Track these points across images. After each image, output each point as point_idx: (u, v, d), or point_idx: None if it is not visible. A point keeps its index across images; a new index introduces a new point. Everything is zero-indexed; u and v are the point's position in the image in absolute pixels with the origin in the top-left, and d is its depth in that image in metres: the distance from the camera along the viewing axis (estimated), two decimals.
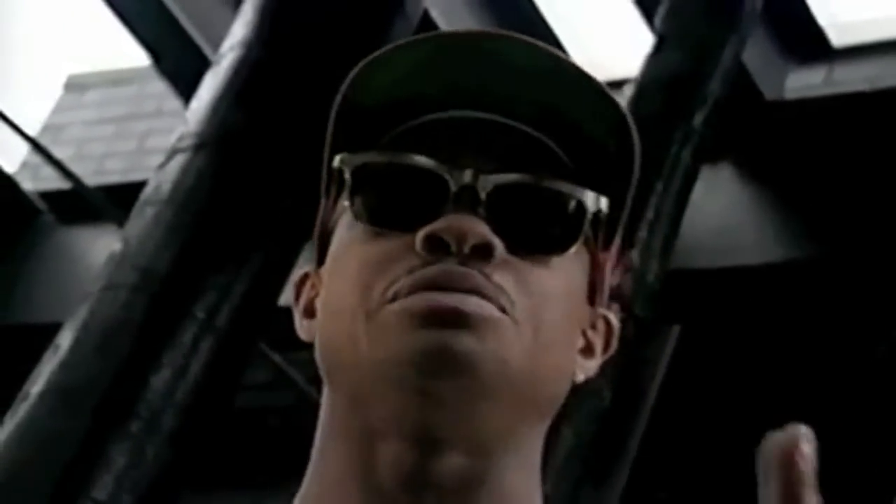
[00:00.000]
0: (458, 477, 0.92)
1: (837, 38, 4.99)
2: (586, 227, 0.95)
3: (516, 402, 0.92)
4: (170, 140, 3.66)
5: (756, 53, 4.63)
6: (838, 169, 4.58)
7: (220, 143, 3.49)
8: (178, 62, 5.31)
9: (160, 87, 5.68)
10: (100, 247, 4.11)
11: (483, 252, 0.91)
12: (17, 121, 5.08)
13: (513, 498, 0.94)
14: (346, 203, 0.96)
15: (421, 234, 0.92)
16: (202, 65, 4.05)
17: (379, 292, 0.92)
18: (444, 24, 4.83)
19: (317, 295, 1.00)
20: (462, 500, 0.92)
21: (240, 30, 3.70)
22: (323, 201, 1.01)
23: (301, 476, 1.00)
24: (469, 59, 0.96)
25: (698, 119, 3.72)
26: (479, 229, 0.91)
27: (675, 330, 4.10)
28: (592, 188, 0.96)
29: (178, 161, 3.49)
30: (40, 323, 4.04)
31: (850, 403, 4.46)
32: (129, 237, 3.45)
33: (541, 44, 0.95)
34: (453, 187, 0.93)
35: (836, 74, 4.87)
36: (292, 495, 1.00)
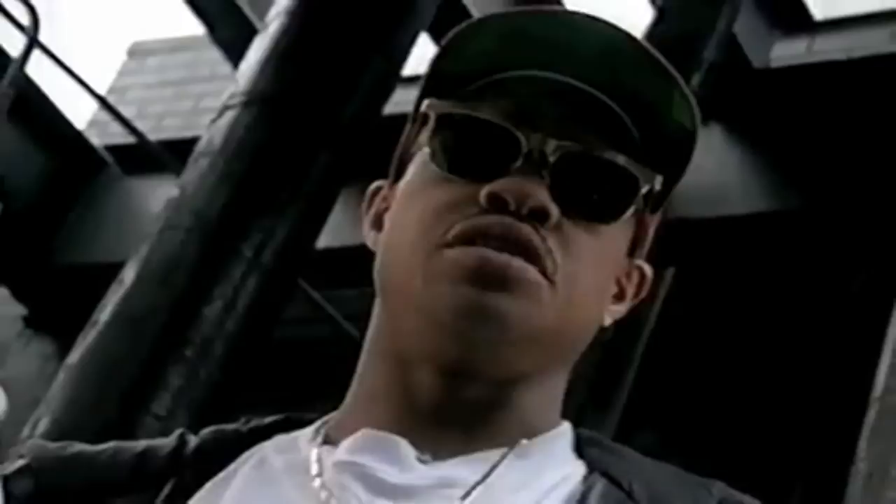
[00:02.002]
0: (481, 404, 0.91)
1: (818, 12, 4.94)
2: (638, 201, 0.93)
3: (541, 351, 0.91)
4: (221, 100, 3.65)
5: (745, 26, 4.59)
6: (817, 129, 4.55)
7: (265, 101, 3.48)
8: (229, 32, 5.29)
9: (213, 54, 5.66)
10: (159, 194, 4.11)
11: (539, 216, 0.89)
12: (88, 83, 5.07)
13: (532, 423, 0.93)
14: (426, 145, 0.93)
15: (486, 190, 0.89)
16: (250, 34, 4.03)
17: (439, 234, 0.90)
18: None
19: (387, 208, 0.98)
20: (484, 421, 0.92)
21: (283, 1, 3.68)
22: (409, 126, 0.97)
23: (333, 399, 0.99)
24: (552, 30, 0.92)
25: (695, 82, 3.69)
26: (540, 194, 0.89)
27: (670, 272, 4.09)
28: (653, 158, 0.93)
29: (229, 117, 3.49)
30: (107, 261, 4.04)
31: (830, 334, 4.45)
32: (185, 184, 3.45)
33: (618, 25, 0.92)
34: (524, 148, 0.90)
35: (816, 45, 4.83)
36: (325, 414, 0.99)
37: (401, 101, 4.25)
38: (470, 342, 0.89)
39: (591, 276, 0.92)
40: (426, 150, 0.93)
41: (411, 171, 0.96)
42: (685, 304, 4.31)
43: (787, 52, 4.85)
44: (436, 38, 4.92)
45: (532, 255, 0.89)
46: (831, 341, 4.46)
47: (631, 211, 0.93)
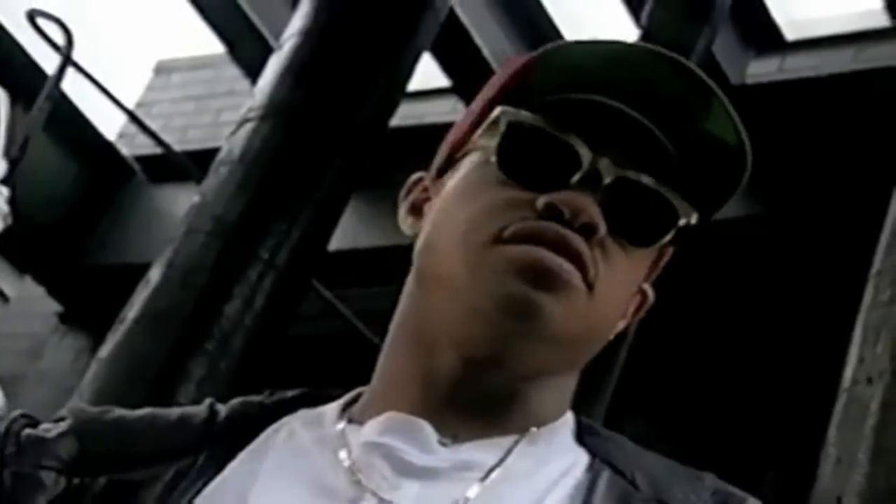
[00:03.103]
0: (500, 395, 0.91)
1: (790, 34, 4.95)
2: (673, 234, 0.93)
3: (566, 353, 0.92)
4: (240, 114, 3.64)
5: (723, 45, 4.59)
6: (788, 141, 4.54)
7: (281, 114, 3.47)
8: (248, 51, 5.29)
9: (233, 72, 5.65)
10: (182, 201, 4.10)
11: (589, 230, 0.89)
12: (118, 98, 5.07)
13: (543, 415, 0.92)
14: (493, 149, 0.93)
15: (545, 199, 0.89)
16: (267, 53, 4.02)
17: (493, 230, 0.90)
18: (466, 18, 4.79)
19: (428, 199, 0.97)
20: (501, 411, 0.91)
21: (298, 22, 3.68)
22: (464, 126, 0.97)
23: (342, 391, 0.98)
24: (619, 59, 0.93)
25: None
26: (592, 211, 0.89)
27: None
28: (695, 191, 0.93)
29: (247, 129, 3.48)
30: (135, 262, 4.04)
31: (801, 329, 4.45)
32: (206, 191, 3.44)
33: (686, 62, 0.93)
34: (584, 166, 0.90)
35: (787, 63, 4.83)
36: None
37: (405, 114, 4.25)
38: (505, 334, 0.88)
39: (620, 292, 0.93)
40: (491, 153, 0.93)
41: (464, 169, 0.95)
42: (665, 302, 4.30)
43: (761, 69, 4.85)
44: (437, 56, 4.92)
45: (580, 263, 0.89)
46: (802, 336, 4.45)
47: (666, 240, 0.94)
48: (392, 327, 0.95)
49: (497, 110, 0.94)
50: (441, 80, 5.04)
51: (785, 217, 4.54)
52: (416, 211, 0.98)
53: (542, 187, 0.90)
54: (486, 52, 4.84)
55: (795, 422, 4.11)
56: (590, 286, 0.89)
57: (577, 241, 0.89)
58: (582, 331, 0.91)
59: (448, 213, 0.93)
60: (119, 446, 0.92)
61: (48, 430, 0.93)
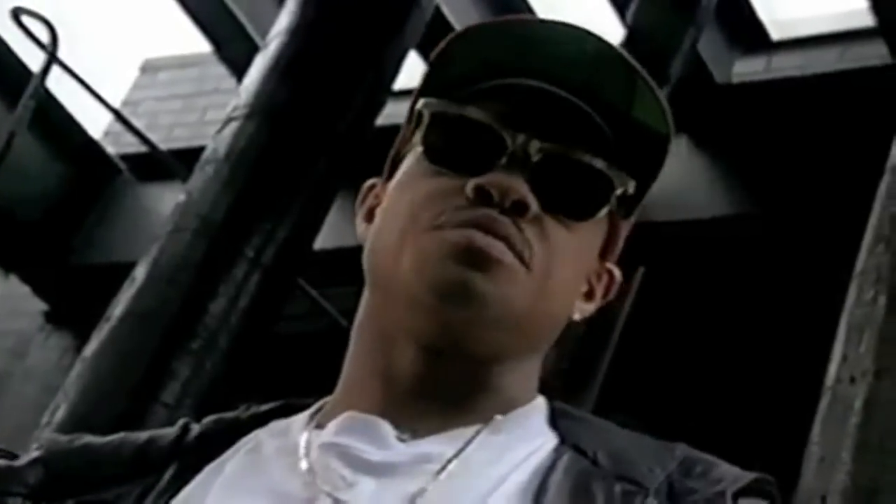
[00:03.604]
0: (458, 382, 0.91)
1: (775, 33, 4.95)
2: (612, 202, 0.93)
3: (516, 334, 0.91)
4: (226, 113, 3.63)
5: (709, 45, 4.59)
6: (775, 140, 4.55)
7: (267, 113, 3.47)
8: (234, 49, 5.28)
9: (219, 70, 5.64)
10: (168, 199, 4.09)
11: (520, 208, 0.90)
12: (103, 97, 5.05)
13: (508, 401, 0.92)
14: (420, 141, 0.94)
15: (472, 184, 0.90)
16: (253, 51, 4.01)
17: (428, 219, 0.90)
18: (453, 17, 4.79)
19: (378, 204, 0.98)
20: (461, 400, 0.91)
21: (283, 20, 3.67)
22: (403, 129, 0.98)
23: (328, 389, 0.98)
24: (540, 39, 0.93)
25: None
26: (521, 189, 0.90)
27: (640, 271, 4.09)
28: (630, 163, 0.93)
29: (232, 128, 3.47)
30: (121, 261, 4.02)
31: (786, 327, 4.45)
32: (192, 190, 3.43)
33: (604, 38, 0.93)
34: (509, 147, 0.91)
35: (773, 63, 4.84)
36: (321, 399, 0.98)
37: (391, 113, 4.24)
38: (448, 320, 0.88)
39: (564, 268, 0.92)
40: (419, 146, 0.94)
41: (403, 167, 0.96)
42: (654, 300, 4.30)
43: (747, 69, 4.86)
44: (424, 55, 4.91)
45: (510, 243, 0.89)
46: (787, 334, 4.46)
47: (605, 211, 0.93)
48: (352, 332, 0.96)
49: (419, 103, 0.95)
50: None
51: (770, 216, 4.55)
52: (370, 217, 0.98)
53: (471, 172, 0.91)
54: None
55: (782, 419, 4.12)
56: (525, 264, 0.89)
57: (504, 223, 0.89)
58: (528, 309, 0.90)
59: (387, 212, 0.95)
60: (86, 470, 0.92)
61: (20, 459, 0.94)
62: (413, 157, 0.95)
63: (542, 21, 0.95)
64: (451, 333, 0.89)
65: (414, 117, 0.95)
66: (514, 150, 0.91)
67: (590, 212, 0.93)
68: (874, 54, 4.61)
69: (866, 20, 4.68)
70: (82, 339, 3.53)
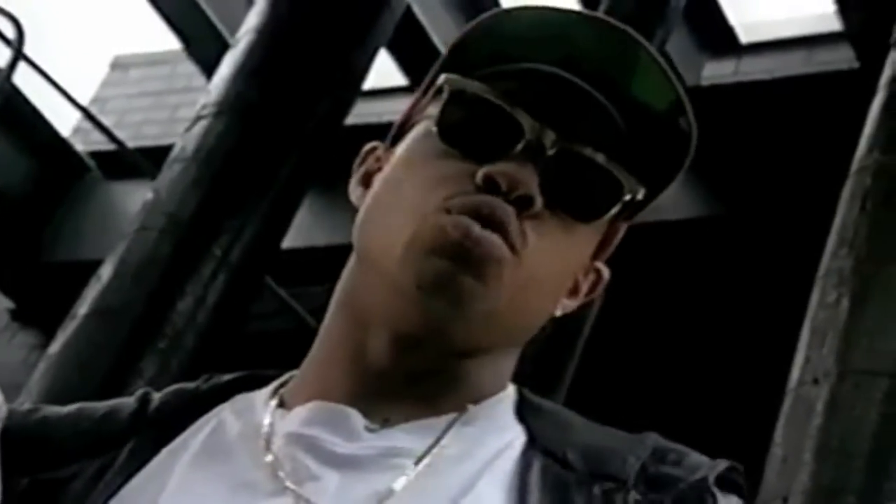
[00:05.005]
0: (430, 373, 0.89)
1: (745, 37, 4.98)
2: (617, 208, 0.90)
3: (495, 329, 0.89)
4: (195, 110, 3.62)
5: (678, 47, 4.61)
6: (742, 143, 4.57)
7: (235, 111, 3.45)
8: (204, 47, 5.26)
9: (189, 68, 5.62)
10: (137, 197, 4.07)
11: (524, 202, 0.87)
12: (71, 94, 5.03)
13: (481, 391, 0.90)
14: (436, 117, 0.90)
15: (482, 172, 0.87)
16: (223, 49, 4.00)
17: (436, 202, 0.87)
18: (423, 16, 4.78)
19: (378, 169, 0.94)
20: (433, 390, 0.89)
21: (253, 19, 3.66)
22: (418, 96, 0.94)
23: (279, 372, 0.95)
24: (577, 30, 0.90)
25: None
26: (530, 183, 0.87)
27: (608, 271, 4.09)
28: (642, 160, 0.91)
29: (201, 126, 3.45)
30: (89, 259, 4.00)
31: (751, 330, 4.48)
32: (159, 188, 3.42)
33: (630, 30, 0.90)
34: (526, 136, 0.88)
35: (742, 66, 4.86)
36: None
37: (361, 112, 4.24)
38: (430, 312, 0.86)
39: (554, 267, 0.90)
40: (432, 121, 0.90)
41: (411, 138, 0.93)
42: (622, 301, 4.32)
43: (716, 72, 4.88)
44: (394, 54, 4.91)
45: (505, 232, 0.86)
46: (752, 336, 4.48)
47: (610, 215, 0.91)
48: (331, 304, 0.93)
49: (441, 78, 0.92)
50: (398, 79, 5.03)
51: (736, 218, 4.57)
52: (367, 181, 0.95)
53: (483, 158, 0.88)
54: (443, 50, 4.83)
55: (749, 419, 4.14)
56: (516, 251, 0.87)
57: (505, 211, 0.87)
58: (513, 305, 0.88)
59: (389, 186, 0.91)
60: (42, 445, 0.90)
61: None
62: (423, 130, 0.92)
63: (582, 13, 0.92)
64: (430, 325, 0.86)
65: (432, 89, 0.92)
66: (531, 140, 0.88)
67: (594, 215, 0.90)
68: (841, 58, 4.64)
69: (833, 24, 4.71)
70: (48, 337, 3.50)
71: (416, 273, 0.86)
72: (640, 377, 4.70)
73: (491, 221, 0.86)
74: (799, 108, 4.53)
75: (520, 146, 0.88)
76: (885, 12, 3.30)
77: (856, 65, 4.57)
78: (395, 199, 0.90)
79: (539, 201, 0.87)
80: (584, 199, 0.90)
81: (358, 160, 0.97)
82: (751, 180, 4.48)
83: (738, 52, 4.90)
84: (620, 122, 0.91)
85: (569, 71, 0.90)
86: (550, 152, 0.88)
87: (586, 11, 0.92)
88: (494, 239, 0.86)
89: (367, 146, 0.97)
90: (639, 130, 0.91)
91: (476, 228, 0.86)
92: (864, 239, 2.41)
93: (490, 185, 0.87)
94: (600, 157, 0.89)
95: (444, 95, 0.90)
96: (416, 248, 0.86)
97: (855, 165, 2.63)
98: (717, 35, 4.89)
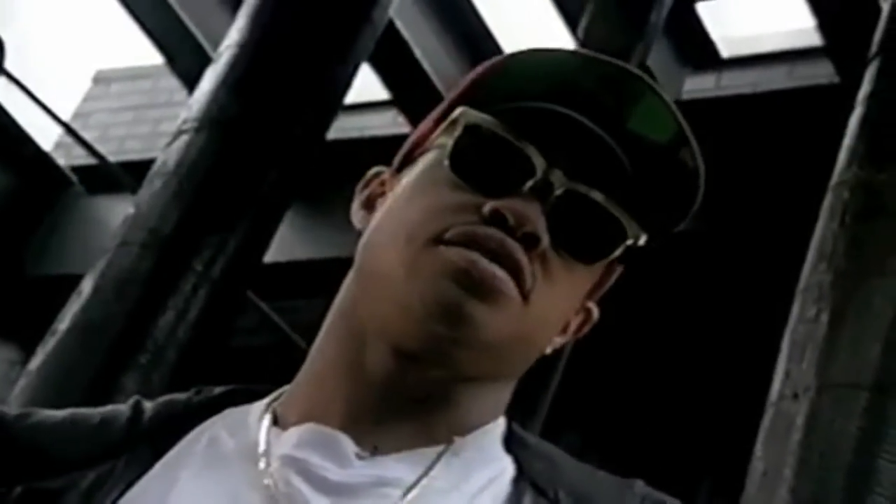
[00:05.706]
0: (429, 393, 0.89)
1: (726, 51, 5.00)
2: (619, 252, 0.92)
3: (495, 360, 0.90)
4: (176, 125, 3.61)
5: (659, 61, 4.62)
6: (724, 158, 4.58)
7: (217, 126, 3.44)
8: (186, 61, 5.26)
9: (171, 82, 5.61)
10: (120, 212, 4.06)
11: (531, 241, 0.89)
12: (53, 108, 5.02)
13: (473, 421, 0.91)
14: (448, 148, 0.92)
15: (492, 205, 0.89)
16: (206, 64, 3.99)
17: (436, 230, 0.89)
18: (405, 31, 4.79)
19: (384, 194, 0.96)
20: (425, 416, 0.90)
21: (235, 34, 3.65)
22: (429, 124, 0.96)
23: (271, 386, 0.95)
24: (595, 75, 0.92)
25: None
26: (537, 222, 0.89)
27: None
28: (652, 204, 0.93)
29: (182, 140, 3.45)
30: (71, 273, 3.99)
31: (732, 345, 4.49)
32: (140, 203, 3.41)
33: (646, 77, 0.93)
34: (538, 175, 0.90)
35: (724, 80, 4.88)
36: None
37: (342, 127, 4.24)
38: (436, 336, 0.87)
39: (557, 308, 0.92)
40: (445, 152, 0.92)
41: (420, 166, 0.94)
42: (603, 316, 4.32)
43: (698, 86, 4.90)
44: (376, 69, 4.91)
45: (517, 273, 0.88)
46: (732, 350, 4.49)
47: (610, 258, 0.92)
48: (326, 321, 0.94)
49: (458, 111, 0.93)
50: (380, 93, 5.04)
51: (716, 233, 4.58)
52: (370, 205, 0.96)
53: (491, 192, 0.90)
54: (425, 64, 4.84)
55: (732, 432, 4.15)
56: (525, 296, 0.88)
57: (516, 250, 0.88)
58: (514, 339, 0.89)
59: (395, 211, 0.93)
60: (36, 453, 0.89)
61: None
62: (433, 159, 0.93)
63: (600, 59, 0.94)
64: (434, 347, 0.87)
65: (447, 121, 0.94)
66: (541, 178, 0.89)
67: (596, 257, 0.92)
68: (822, 73, 4.66)
69: (814, 39, 4.74)
70: (30, 352, 3.49)
71: (426, 298, 0.87)
72: (620, 397, 4.71)
73: (498, 256, 0.88)
74: (779, 122, 4.55)
75: (529, 184, 0.89)
76: (864, 28, 3.33)
77: (836, 80, 4.60)
78: (400, 225, 0.91)
79: (545, 241, 0.89)
80: (587, 241, 0.91)
81: (361, 183, 0.98)
82: (730, 195, 4.50)
83: (719, 66, 4.92)
84: (628, 165, 0.93)
85: (579, 112, 0.92)
86: (558, 192, 0.90)
87: (602, 56, 0.94)
88: (501, 273, 0.87)
89: (373, 170, 0.99)
90: (645, 170, 0.93)
91: (484, 262, 0.87)
92: (844, 253, 2.42)
93: (497, 219, 0.88)
94: (607, 202, 0.91)
95: (459, 128, 0.92)
96: (423, 272, 0.87)
97: (834, 179, 2.64)
98: (698, 49, 4.91)
